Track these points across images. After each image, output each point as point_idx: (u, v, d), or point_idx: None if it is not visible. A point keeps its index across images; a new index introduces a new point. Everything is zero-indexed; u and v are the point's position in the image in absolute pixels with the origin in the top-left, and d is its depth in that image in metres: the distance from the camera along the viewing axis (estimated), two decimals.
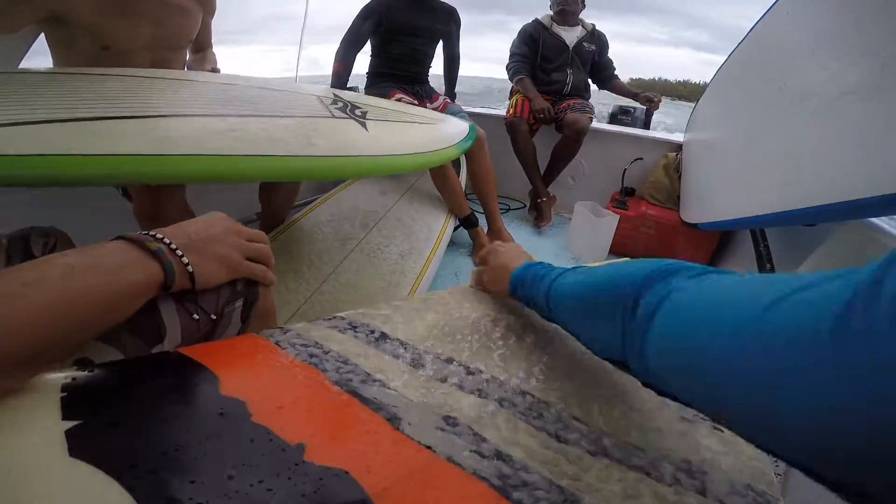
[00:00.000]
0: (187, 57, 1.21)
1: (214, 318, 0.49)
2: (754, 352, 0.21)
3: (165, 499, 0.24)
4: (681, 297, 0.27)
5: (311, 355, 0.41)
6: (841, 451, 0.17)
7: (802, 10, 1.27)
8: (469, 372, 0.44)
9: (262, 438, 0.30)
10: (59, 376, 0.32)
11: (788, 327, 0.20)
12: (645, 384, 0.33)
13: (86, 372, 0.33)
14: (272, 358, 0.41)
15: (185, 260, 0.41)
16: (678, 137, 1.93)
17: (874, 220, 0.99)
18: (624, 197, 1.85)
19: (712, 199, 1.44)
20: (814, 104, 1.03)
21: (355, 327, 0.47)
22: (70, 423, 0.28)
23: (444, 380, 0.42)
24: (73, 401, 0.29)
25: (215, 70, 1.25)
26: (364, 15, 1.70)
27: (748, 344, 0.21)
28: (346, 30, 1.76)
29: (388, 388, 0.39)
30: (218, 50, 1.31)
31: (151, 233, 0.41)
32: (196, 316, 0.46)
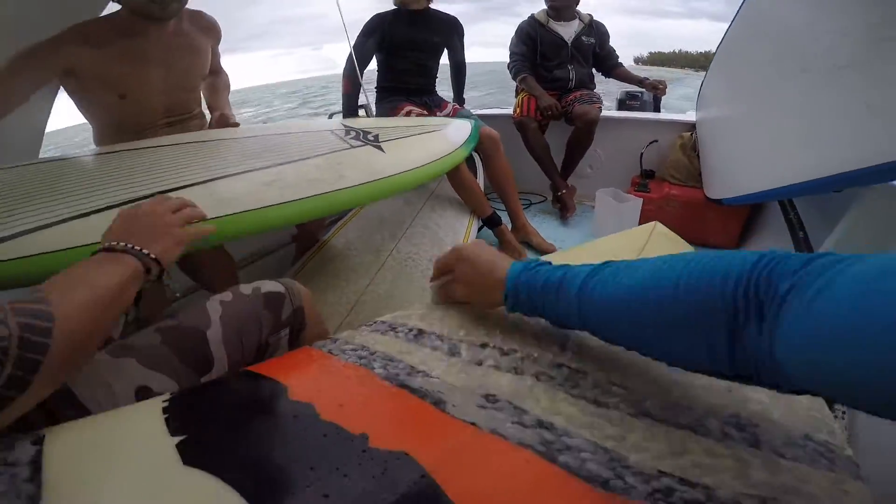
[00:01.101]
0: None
1: (262, 346, 0.55)
2: None
3: (266, 493, 0.29)
4: (830, 284, 0.24)
5: (360, 357, 0.46)
6: None
7: None
8: (504, 353, 0.46)
9: (332, 433, 0.35)
10: (156, 401, 0.39)
11: None
12: (772, 387, 0.29)
13: (167, 398, 0.39)
14: (327, 364, 0.46)
15: (145, 251, 0.48)
16: (690, 117, 1.92)
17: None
18: (644, 180, 1.85)
19: (734, 173, 1.43)
20: (818, 74, 1.03)
21: (395, 328, 0.52)
22: (178, 438, 0.34)
23: (480, 363, 0.45)
24: (174, 420, 0.36)
25: (227, 85, 1.29)
26: (366, 32, 1.74)
27: None
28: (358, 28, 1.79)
29: (431, 377, 0.42)
30: (228, 59, 1.33)
31: (111, 243, 0.48)
32: (241, 347, 0.53)
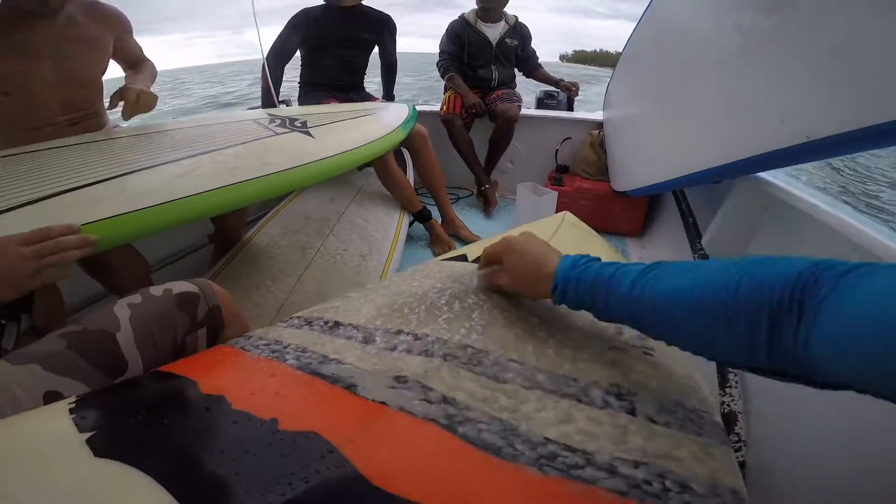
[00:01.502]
0: (104, 87, 1.14)
1: (178, 347, 0.54)
2: None
3: (179, 476, 0.30)
4: (858, 285, 0.27)
5: (273, 351, 0.47)
6: None
7: None
8: (417, 338, 0.49)
9: (242, 419, 0.36)
10: (62, 403, 0.38)
11: None
12: (806, 382, 0.31)
13: (74, 399, 0.38)
14: (238, 359, 0.47)
15: None
16: (599, 116, 2.11)
17: (762, 174, 1.17)
18: (559, 174, 2.00)
19: (635, 167, 1.60)
20: (700, 78, 1.19)
21: (310, 322, 0.53)
22: (87, 434, 0.34)
23: (393, 348, 0.47)
24: (81, 418, 0.35)
25: (152, 74, 1.19)
26: (290, 27, 1.68)
27: None
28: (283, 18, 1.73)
29: (344, 364, 0.44)
30: (139, 41, 1.22)
31: None
32: (155, 348, 0.51)
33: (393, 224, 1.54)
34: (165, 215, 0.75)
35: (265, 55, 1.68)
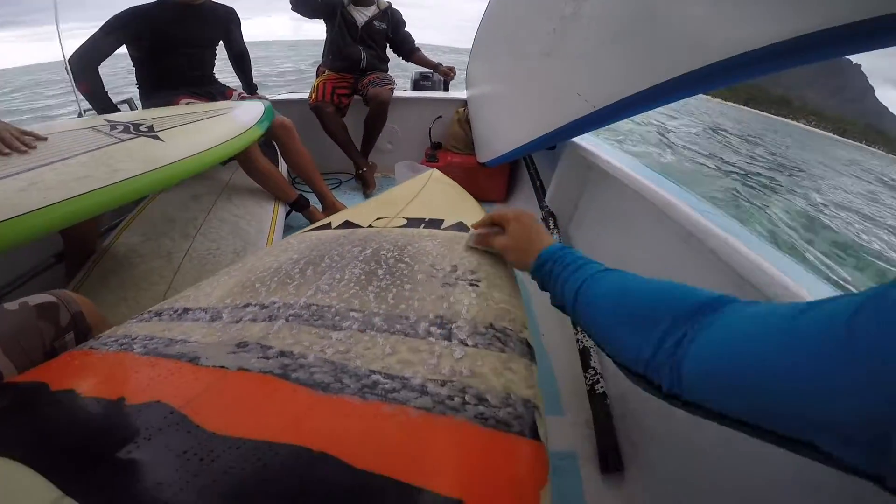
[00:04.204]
0: None
1: (49, 352, 0.55)
2: (790, 346, 0.25)
3: (38, 455, 0.34)
4: (729, 318, 0.31)
5: (121, 345, 0.50)
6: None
7: None
8: (263, 307, 0.51)
9: (92, 405, 0.40)
10: None
11: (817, 324, 0.24)
12: (668, 396, 0.33)
13: None
14: (86, 359, 0.49)
15: None
16: (465, 94, 2.26)
17: (576, 140, 1.39)
18: (434, 151, 2.13)
19: (492, 140, 1.78)
20: (533, 59, 1.36)
21: (160, 314, 0.56)
22: None
23: (238, 321, 0.50)
24: None
25: None
26: (111, 29, 1.50)
27: (786, 340, 0.25)
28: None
29: (189, 342, 0.47)
30: None
31: None
32: (26, 355, 0.52)
33: (267, 216, 1.54)
34: (14, 232, 0.72)
35: (67, 58, 1.51)
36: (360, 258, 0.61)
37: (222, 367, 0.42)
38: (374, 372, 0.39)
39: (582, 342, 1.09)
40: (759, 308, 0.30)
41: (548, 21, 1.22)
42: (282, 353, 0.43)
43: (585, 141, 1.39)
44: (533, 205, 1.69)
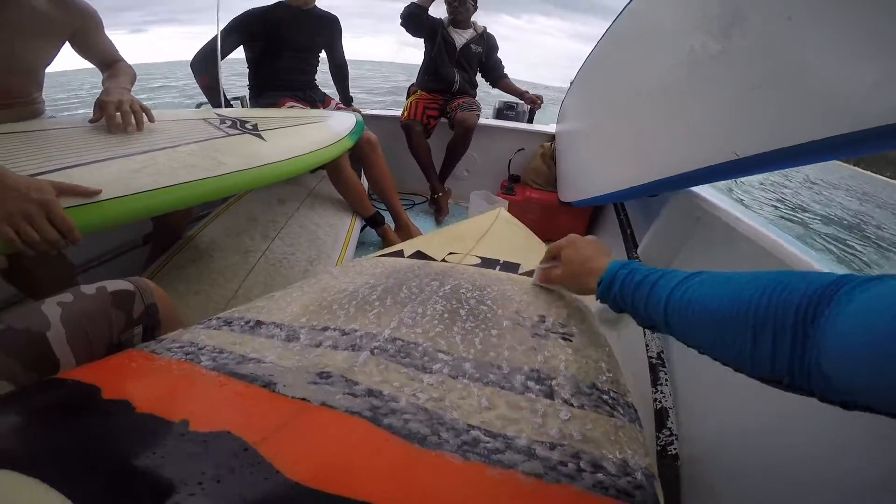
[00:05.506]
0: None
1: (113, 345, 0.52)
2: None
3: (75, 481, 0.28)
4: (862, 299, 0.27)
5: (187, 353, 0.45)
6: None
7: (637, 20, 1.53)
8: (344, 333, 0.48)
9: (149, 422, 0.34)
10: None
11: None
12: (822, 399, 0.30)
13: None
14: (147, 363, 0.45)
15: None
16: (552, 129, 2.19)
17: (694, 189, 1.26)
18: (511, 184, 2.06)
19: (580, 180, 1.68)
20: (646, 97, 1.27)
21: (230, 323, 0.51)
22: None
23: (318, 345, 0.45)
24: None
25: (131, 76, 1.11)
26: (232, 28, 1.62)
27: None
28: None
29: (263, 363, 0.42)
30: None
31: None
32: (90, 346, 0.49)
33: (344, 228, 1.52)
34: (125, 209, 0.75)
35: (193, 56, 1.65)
36: (440, 293, 0.58)
37: (303, 398, 0.37)
38: (473, 427, 0.36)
39: (660, 402, 0.96)
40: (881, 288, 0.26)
41: (682, 59, 1.11)
42: (370, 392, 0.39)
43: (698, 188, 1.26)
44: (616, 253, 1.55)
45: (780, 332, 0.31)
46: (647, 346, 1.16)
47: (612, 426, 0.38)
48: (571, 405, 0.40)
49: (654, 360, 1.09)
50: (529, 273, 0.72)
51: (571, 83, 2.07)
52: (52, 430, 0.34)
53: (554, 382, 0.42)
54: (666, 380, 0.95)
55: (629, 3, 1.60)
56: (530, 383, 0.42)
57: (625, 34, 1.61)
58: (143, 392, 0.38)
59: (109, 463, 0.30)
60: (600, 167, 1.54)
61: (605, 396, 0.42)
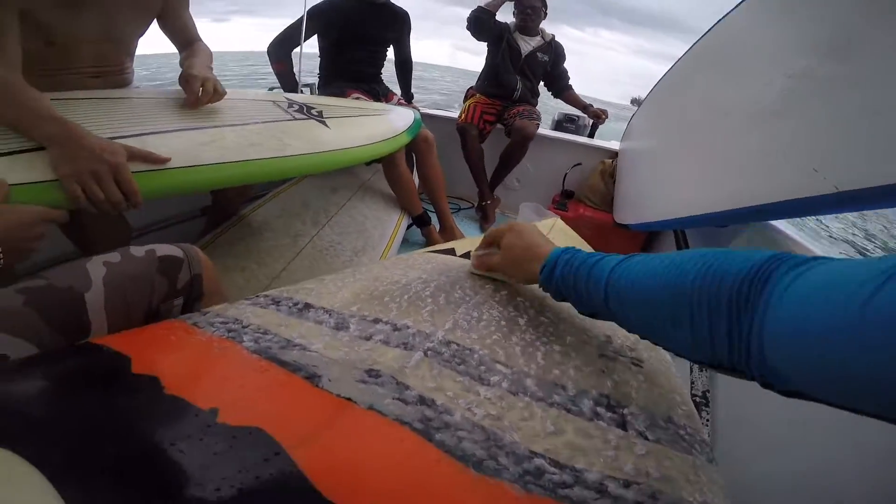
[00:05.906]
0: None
1: (150, 313, 0.50)
2: (869, 322, 0.21)
3: (76, 473, 0.25)
4: (798, 285, 0.26)
5: (230, 330, 0.42)
6: None
7: (726, 39, 1.44)
8: (396, 328, 0.44)
9: (175, 407, 0.31)
10: None
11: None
12: (764, 385, 0.29)
13: None
14: (187, 337, 0.41)
15: None
16: (615, 146, 2.10)
17: (772, 222, 1.16)
18: (564, 199, 1.98)
19: (641, 202, 1.59)
20: (732, 119, 1.18)
21: (278, 302, 0.48)
22: None
23: (368, 338, 0.42)
24: None
25: (208, 55, 1.14)
26: (313, 16, 1.69)
27: (861, 313, 0.22)
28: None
29: (309, 351, 0.39)
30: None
31: None
32: (126, 312, 0.47)
33: (392, 224, 1.52)
34: (191, 179, 0.78)
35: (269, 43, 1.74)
36: (496, 299, 0.54)
37: (349, 398, 0.34)
38: (535, 454, 0.32)
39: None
40: (818, 276, 0.26)
41: (779, 83, 1.02)
42: (422, 400, 0.35)
43: (780, 223, 1.15)
44: None
45: (716, 313, 0.30)
46: (692, 383, 1.07)
47: (691, 465, 0.35)
48: (647, 439, 0.36)
49: (697, 399, 1.02)
50: None
51: (640, 101, 1.98)
52: (67, 404, 0.31)
53: (626, 411, 0.39)
54: (707, 420, 0.90)
55: (717, 22, 1.51)
56: (600, 409, 0.38)
57: (710, 54, 1.52)
58: (175, 369, 0.36)
59: (119, 450, 0.27)
60: (665, 190, 1.45)
61: (681, 432, 0.38)
